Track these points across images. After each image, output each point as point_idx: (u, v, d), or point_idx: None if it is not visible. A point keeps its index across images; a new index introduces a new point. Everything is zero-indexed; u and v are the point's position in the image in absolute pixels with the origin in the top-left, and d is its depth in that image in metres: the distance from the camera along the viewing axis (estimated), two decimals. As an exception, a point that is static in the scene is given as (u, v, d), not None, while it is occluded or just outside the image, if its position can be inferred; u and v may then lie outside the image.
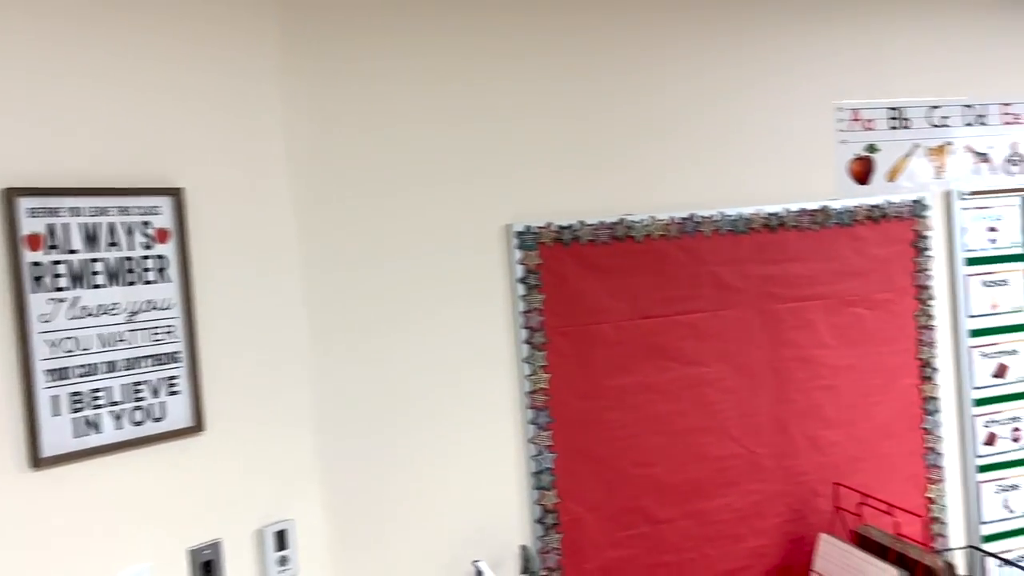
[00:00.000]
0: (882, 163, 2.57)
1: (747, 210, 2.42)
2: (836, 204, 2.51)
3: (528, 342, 2.22)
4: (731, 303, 2.41)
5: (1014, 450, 2.70)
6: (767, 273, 2.45)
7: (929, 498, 2.61)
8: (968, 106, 2.65)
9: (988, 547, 2.65)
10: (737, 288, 2.42)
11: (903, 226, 2.58)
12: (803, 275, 2.48)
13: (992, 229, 2.68)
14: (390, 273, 2.12)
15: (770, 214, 2.44)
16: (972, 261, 2.65)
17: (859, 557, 2.22)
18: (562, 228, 2.24)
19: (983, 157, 2.67)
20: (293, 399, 1.98)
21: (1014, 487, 2.70)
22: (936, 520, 2.61)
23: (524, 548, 2.14)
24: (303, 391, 2.00)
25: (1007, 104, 2.69)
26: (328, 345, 2.06)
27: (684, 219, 2.36)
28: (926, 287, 2.60)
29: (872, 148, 2.56)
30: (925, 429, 2.60)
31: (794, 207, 2.46)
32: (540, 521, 2.22)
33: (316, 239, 2.04)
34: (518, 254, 2.21)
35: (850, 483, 2.49)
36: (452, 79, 2.17)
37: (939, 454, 2.61)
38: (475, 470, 2.19)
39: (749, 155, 2.45)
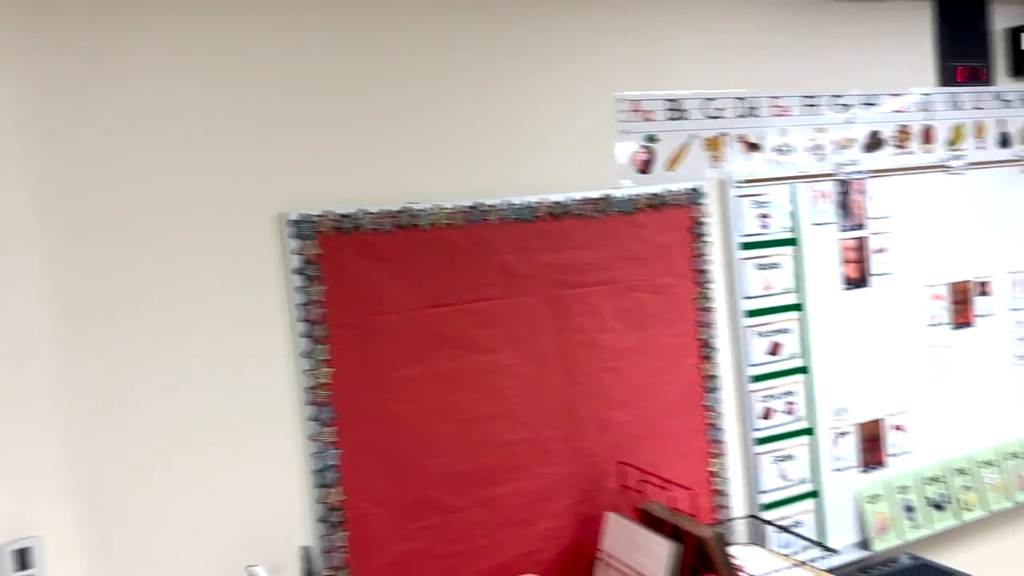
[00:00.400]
0: (662, 153, 2.67)
1: (532, 198, 2.44)
2: (618, 193, 2.58)
3: (308, 336, 2.14)
4: (519, 291, 2.44)
5: (788, 422, 2.90)
6: (554, 260, 2.49)
7: (711, 471, 2.75)
8: (741, 99, 2.81)
9: (766, 515, 2.83)
10: (525, 276, 2.44)
11: (682, 213, 2.69)
12: (588, 262, 2.54)
13: (764, 216, 2.85)
14: (150, 268, 1.98)
15: (555, 202, 2.48)
16: (746, 246, 2.81)
17: (639, 533, 2.31)
18: (342, 216, 2.18)
19: (755, 147, 2.84)
20: (33, 403, 1.81)
21: (789, 457, 2.90)
22: (719, 492, 2.76)
23: (305, 549, 2.07)
24: (46, 395, 1.83)
25: (776, 97, 2.87)
26: (79, 347, 1.90)
27: (470, 207, 2.35)
28: (704, 271, 2.73)
29: (652, 138, 2.66)
30: (706, 406, 2.74)
31: (578, 196, 2.51)
32: (324, 520, 2.15)
33: (60, 229, 1.88)
34: (294, 244, 2.12)
35: (637, 461, 2.58)
36: (216, 61, 2.05)
37: (720, 429, 2.76)
38: (251, 472, 2.09)
39: (534, 144, 2.48)
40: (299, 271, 2.13)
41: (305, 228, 2.13)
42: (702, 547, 2.19)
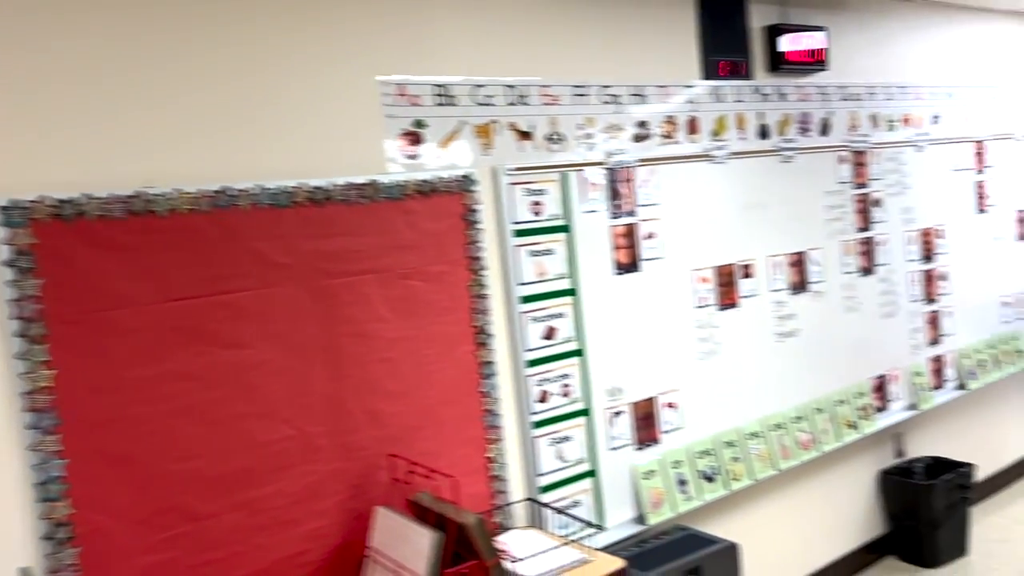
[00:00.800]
0: (431, 138, 2.63)
1: (290, 183, 2.33)
2: (385, 178, 2.52)
3: (22, 335, 1.92)
4: (278, 281, 2.32)
5: (564, 405, 2.95)
6: (317, 248, 2.38)
7: (489, 457, 2.75)
8: (511, 86, 2.82)
9: (546, 497, 2.87)
10: (283, 265, 2.32)
11: (453, 200, 2.67)
12: (355, 250, 2.46)
13: (536, 203, 2.88)
14: None
15: (316, 187, 2.38)
16: (520, 232, 2.83)
17: (404, 525, 2.26)
18: (62, 202, 1.97)
19: (526, 135, 2.86)
20: None
21: (566, 439, 2.95)
22: (497, 477, 2.76)
23: (24, 571, 1.86)
24: None
25: (546, 86, 2.91)
26: None
27: (217, 192, 2.20)
28: (478, 258, 2.72)
29: (420, 124, 2.61)
30: (483, 392, 2.73)
31: (341, 180, 2.42)
32: (49, 537, 1.95)
33: None
34: (2, 233, 1.90)
35: (412, 452, 2.53)
36: None
37: (497, 415, 2.76)
38: (-44, 489, 1.86)
39: (291, 127, 2.36)
40: (10, 263, 1.91)
41: (15, 215, 1.91)
42: (464, 534, 2.18)
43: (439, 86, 2.65)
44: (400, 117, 2.57)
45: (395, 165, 2.56)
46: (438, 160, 2.65)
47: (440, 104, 2.65)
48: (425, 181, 2.60)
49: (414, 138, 2.60)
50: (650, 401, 3.20)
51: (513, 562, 2.31)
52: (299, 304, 2.36)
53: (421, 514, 2.34)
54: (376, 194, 2.50)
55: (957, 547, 4.12)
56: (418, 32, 2.61)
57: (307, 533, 2.35)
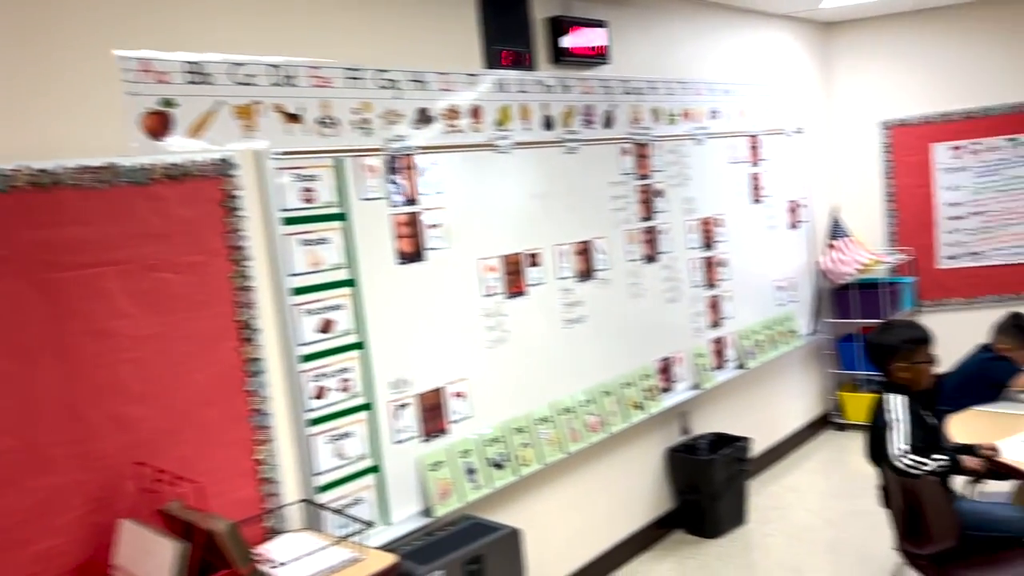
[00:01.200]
0: (182, 119, 2.44)
1: (7, 166, 2.08)
2: (127, 161, 2.30)
3: None
4: (-6, 275, 2.06)
5: (344, 400, 2.85)
6: (42, 238, 2.14)
7: (258, 459, 2.59)
8: (275, 66, 2.67)
9: (324, 497, 2.75)
10: (1, 257, 2.07)
11: (209, 185, 2.49)
12: (91, 240, 2.24)
13: (308, 190, 2.75)
14: None
15: (40, 170, 2.13)
16: (290, 220, 2.70)
17: (148, 538, 2.08)
18: None
19: (295, 118, 2.72)
20: None
21: (346, 435, 2.85)
22: (267, 480, 2.62)
23: None
24: None
25: (316, 67, 2.78)
26: None
27: (-89, 175, 1.93)
28: (241, 248, 2.55)
29: (169, 103, 2.41)
30: (249, 391, 2.58)
31: (72, 163, 2.19)
32: None
33: None
34: None
35: (167, 458, 2.34)
36: None
37: (266, 414, 2.61)
38: None
39: (7, 104, 2.11)
40: None
41: None
42: (215, 542, 2.03)
43: (191, 63, 2.46)
44: (144, 95, 2.36)
45: (139, 147, 2.35)
46: (191, 142, 2.46)
47: (192, 83, 2.46)
48: (175, 165, 2.41)
49: (161, 118, 2.40)
50: (438, 392, 3.16)
51: (274, 567, 2.19)
52: (20, 300, 2.11)
53: (172, 524, 2.16)
54: (116, 178, 2.28)
55: (736, 517, 4.40)
56: (166, 4, 2.41)
57: (39, 554, 2.12)
